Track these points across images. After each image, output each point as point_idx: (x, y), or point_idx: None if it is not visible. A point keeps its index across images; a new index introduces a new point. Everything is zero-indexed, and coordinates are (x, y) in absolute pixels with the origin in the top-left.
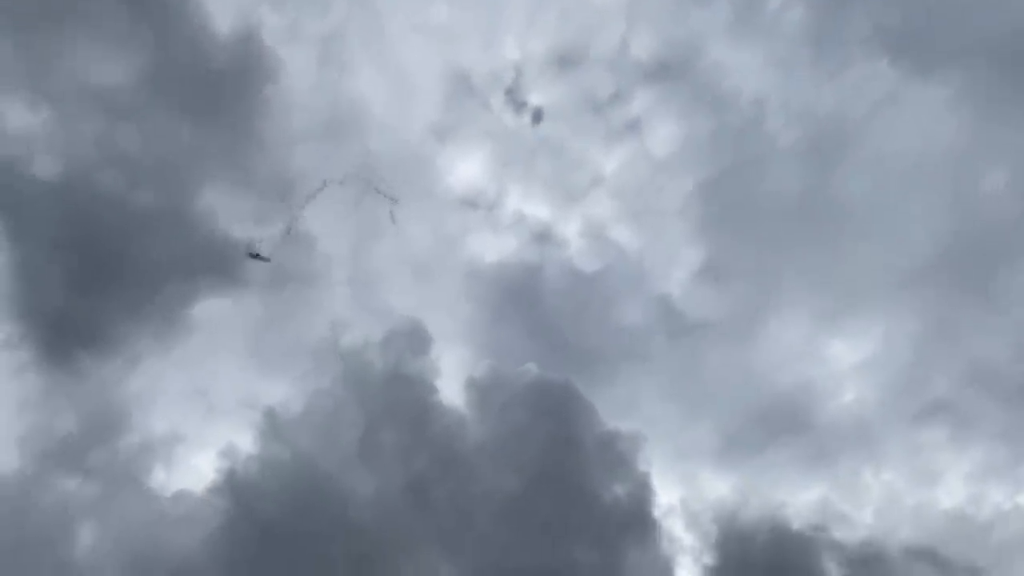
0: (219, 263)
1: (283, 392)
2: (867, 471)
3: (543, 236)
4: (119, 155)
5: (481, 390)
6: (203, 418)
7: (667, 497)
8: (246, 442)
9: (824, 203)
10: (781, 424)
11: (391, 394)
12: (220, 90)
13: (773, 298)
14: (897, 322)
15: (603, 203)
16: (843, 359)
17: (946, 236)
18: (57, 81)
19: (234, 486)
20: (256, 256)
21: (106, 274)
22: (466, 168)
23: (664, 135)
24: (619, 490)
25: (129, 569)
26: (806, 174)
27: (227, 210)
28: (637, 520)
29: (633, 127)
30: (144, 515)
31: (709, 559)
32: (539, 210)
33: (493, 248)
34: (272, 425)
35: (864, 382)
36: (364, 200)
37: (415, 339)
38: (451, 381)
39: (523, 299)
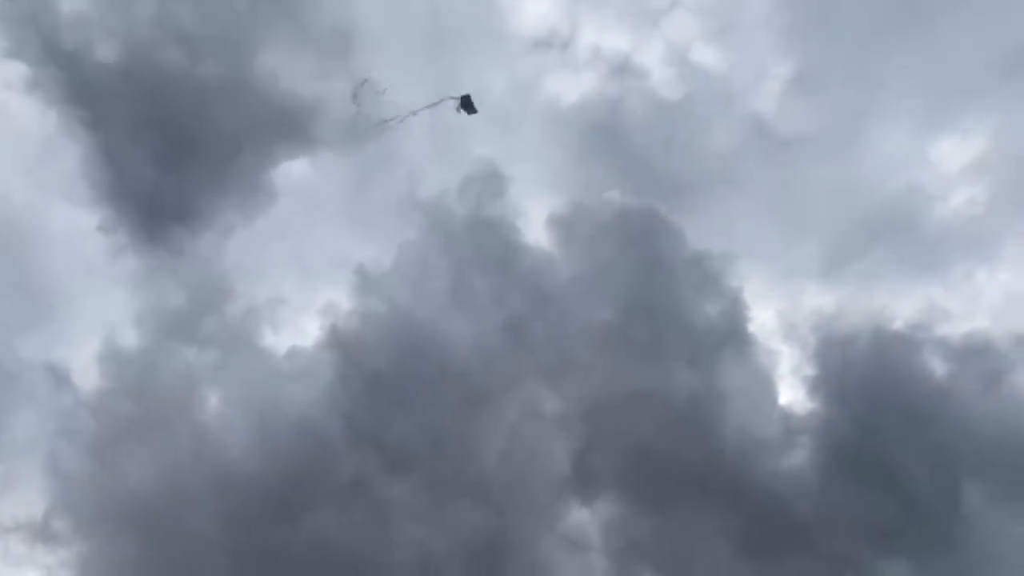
0: (289, 125)
1: (371, 248)
2: (980, 272)
3: (622, 68)
4: (174, 29)
5: (565, 225)
6: (298, 279)
7: (762, 312)
8: (343, 299)
9: None
10: (885, 233)
11: (476, 239)
12: None
13: (871, 102)
14: (1009, 112)
15: (683, 24)
16: (952, 159)
17: None
18: None
19: (339, 341)
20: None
21: (184, 151)
22: (534, 5)
23: None
24: (712, 309)
25: (257, 425)
26: None
27: (289, 71)
28: (733, 337)
29: None
30: (262, 374)
31: (809, 369)
32: (616, 41)
33: (571, 87)
34: (365, 281)
35: (976, 181)
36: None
37: (492, 182)
38: (535, 221)
39: (605, 135)
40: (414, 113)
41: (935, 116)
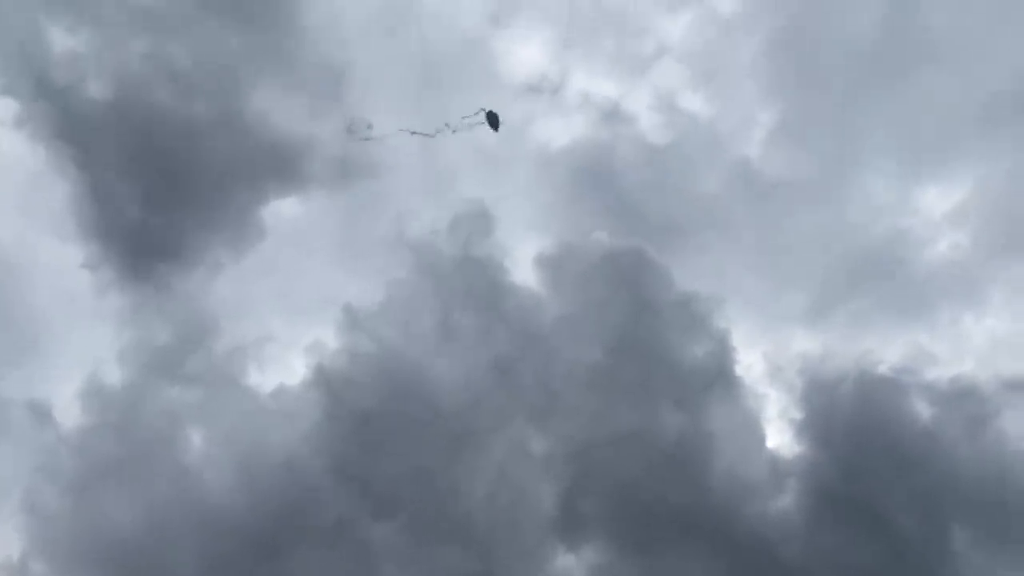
0: (279, 165)
1: (359, 286)
2: (966, 317)
3: (611, 114)
4: (165, 67)
5: (553, 265)
6: (285, 317)
7: (749, 355)
8: (330, 337)
9: (905, 40)
10: (871, 278)
11: (464, 278)
12: None
13: (856, 148)
14: (992, 159)
15: (671, 72)
16: (936, 205)
17: None
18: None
19: (325, 380)
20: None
21: (174, 188)
22: (525, 52)
23: None
24: (699, 351)
25: (241, 465)
26: (884, 9)
27: (280, 109)
28: (720, 379)
29: None
30: (247, 413)
31: (796, 413)
32: (605, 87)
33: (560, 132)
34: (352, 319)
35: (960, 227)
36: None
37: (481, 222)
38: (523, 261)
39: (593, 178)
40: (453, 129)
41: (919, 162)
